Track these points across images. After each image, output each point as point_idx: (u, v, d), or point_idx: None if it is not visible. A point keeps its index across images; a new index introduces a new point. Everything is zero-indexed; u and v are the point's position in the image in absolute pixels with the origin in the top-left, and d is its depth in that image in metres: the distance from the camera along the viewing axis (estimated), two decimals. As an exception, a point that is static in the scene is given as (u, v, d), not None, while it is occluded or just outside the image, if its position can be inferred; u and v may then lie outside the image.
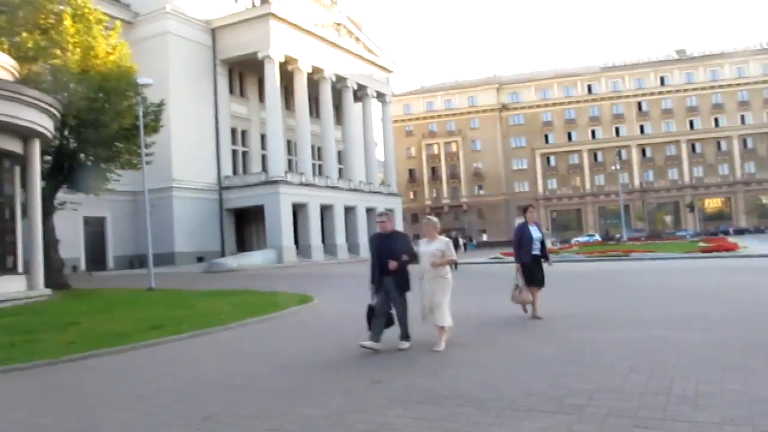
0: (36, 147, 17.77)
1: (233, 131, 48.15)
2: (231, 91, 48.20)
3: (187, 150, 42.93)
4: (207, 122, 45.20)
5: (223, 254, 44.18)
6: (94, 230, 40.69)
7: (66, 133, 21.34)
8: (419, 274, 8.24)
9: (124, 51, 22.29)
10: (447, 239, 8.37)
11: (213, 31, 45.95)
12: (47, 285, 21.90)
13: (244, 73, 49.06)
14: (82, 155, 21.46)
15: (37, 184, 17.87)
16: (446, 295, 8.13)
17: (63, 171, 21.20)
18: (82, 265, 39.23)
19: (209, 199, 45.07)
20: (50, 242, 21.64)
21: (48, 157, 21.01)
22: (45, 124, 17.64)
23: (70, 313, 13.60)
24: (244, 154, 49.43)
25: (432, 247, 8.22)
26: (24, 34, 19.68)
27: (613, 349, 7.61)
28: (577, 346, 7.86)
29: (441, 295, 8.07)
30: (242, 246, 47.56)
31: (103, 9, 40.62)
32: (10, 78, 17.99)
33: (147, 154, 22.05)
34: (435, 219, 8.66)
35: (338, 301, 15.45)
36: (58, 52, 19.58)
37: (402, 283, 8.16)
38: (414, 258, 8.20)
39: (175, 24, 43.11)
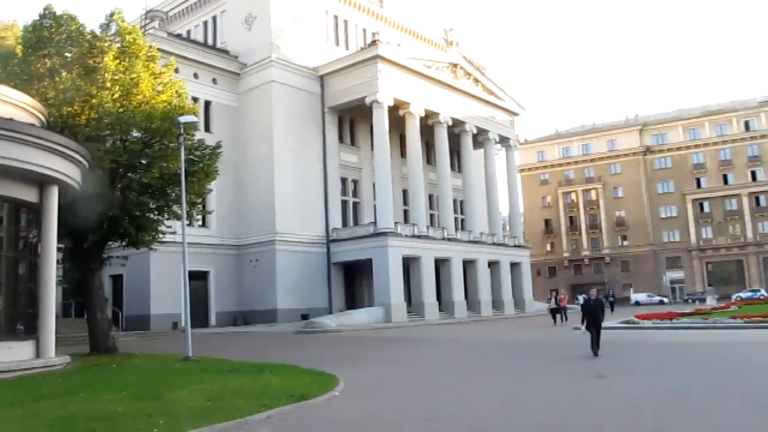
0: (53, 195, 15.62)
1: (343, 181, 45.88)
2: (341, 139, 46.23)
3: (293, 201, 41.09)
4: (315, 172, 43.25)
5: (330, 311, 41.49)
6: (197, 285, 39.29)
7: (114, 180, 19.32)
8: None
9: (179, 89, 20.11)
10: None
11: (321, 79, 44.33)
12: (92, 348, 19.85)
13: (355, 120, 46.97)
14: (128, 205, 19.27)
15: (53, 235, 15.66)
16: None
17: (107, 222, 19.03)
18: (183, 321, 37.78)
19: (317, 253, 42.65)
20: (97, 302, 19.60)
21: (93, 207, 18.99)
22: (63, 169, 15.45)
23: (22, 400, 10.74)
24: (355, 204, 46.95)
25: None
26: (64, 74, 17.97)
27: None
28: None
29: None
30: (352, 302, 44.61)
31: (211, 61, 41.55)
32: (35, 122, 16.13)
33: (193, 203, 19.60)
34: None
35: (379, 390, 11.78)
36: (94, 90, 17.65)
37: None
38: None
39: (280, 72, 41.83)
